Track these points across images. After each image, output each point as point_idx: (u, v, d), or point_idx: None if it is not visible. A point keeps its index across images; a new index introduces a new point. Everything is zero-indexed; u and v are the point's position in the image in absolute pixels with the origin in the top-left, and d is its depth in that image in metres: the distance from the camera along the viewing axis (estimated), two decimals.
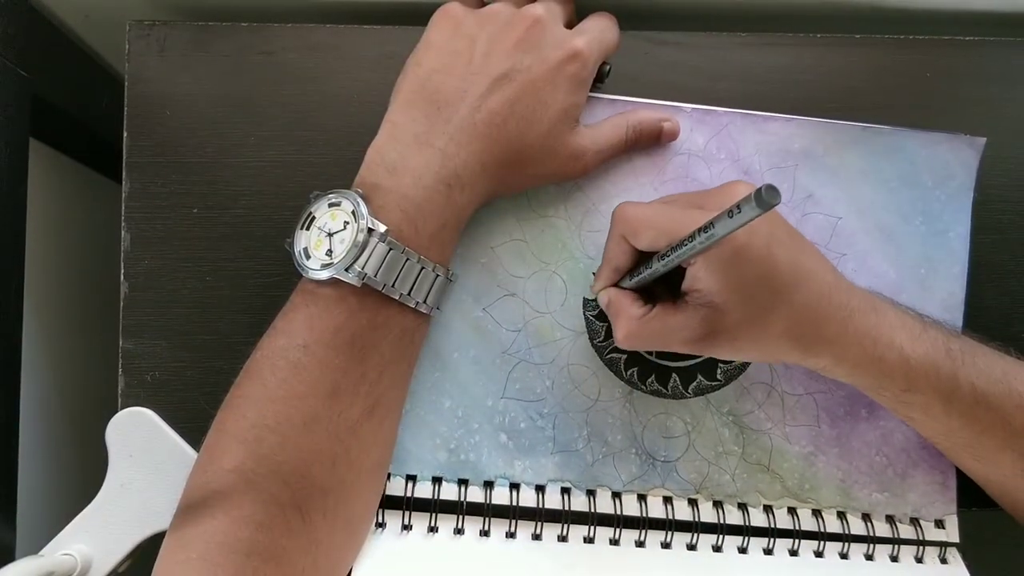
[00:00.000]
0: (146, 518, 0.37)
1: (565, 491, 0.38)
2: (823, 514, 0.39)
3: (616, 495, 0.39)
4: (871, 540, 0.39)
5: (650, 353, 0.39)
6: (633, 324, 0.34)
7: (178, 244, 0.40)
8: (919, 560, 0.39)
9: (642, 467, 0.39)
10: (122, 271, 0.40)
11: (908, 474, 0.40)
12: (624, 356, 0.39)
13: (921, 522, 0.39)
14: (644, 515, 0.38)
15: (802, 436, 0.40)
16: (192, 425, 0.39)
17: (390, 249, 0.32)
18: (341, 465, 0.33)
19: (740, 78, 0.42)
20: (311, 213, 0.34)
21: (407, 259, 0.33)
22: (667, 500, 0.39)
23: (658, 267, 0.32)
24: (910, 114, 0.42)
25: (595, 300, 0.39)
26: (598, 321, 0.39)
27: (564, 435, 0.39)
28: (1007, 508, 0.38)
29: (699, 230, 0.29)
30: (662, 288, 0.35)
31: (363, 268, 0.32)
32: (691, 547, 0.38)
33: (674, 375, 0.39)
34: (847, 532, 0.39)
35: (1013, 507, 0.38)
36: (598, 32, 0.37)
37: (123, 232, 0.40)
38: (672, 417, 0.39)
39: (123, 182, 0.40)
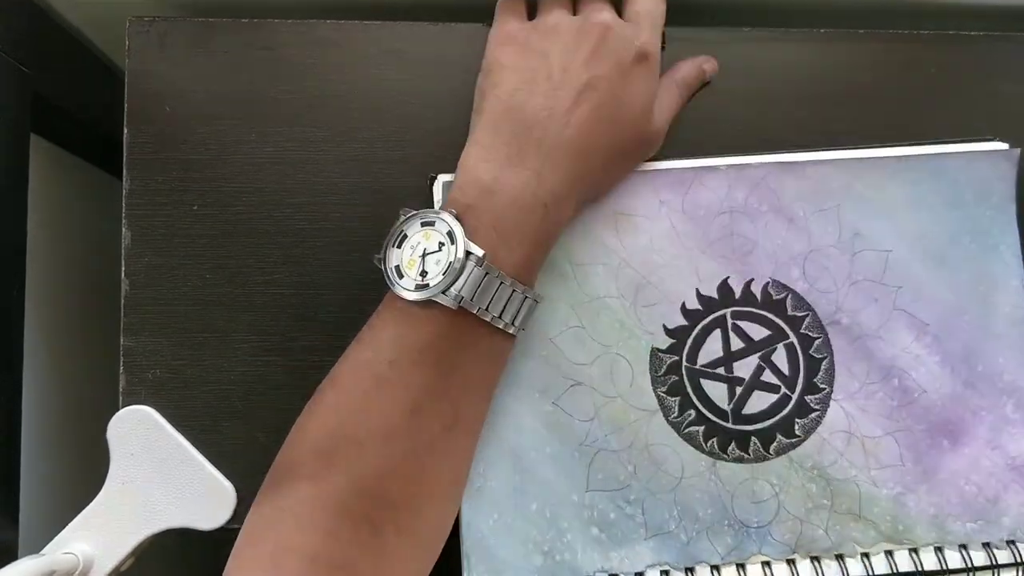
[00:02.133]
0: (148, 517, 0.37)
1: (664, 574, 0.38)
2: (920, 552, 0.38)
3: (715, 568, 0.38)
4: (969, 571, 0.38)
5: (726, 420, 0.39)
6: None
7: (179, 241, 0.40)
8: None
9: (736, 537, 0.38)
10: (123, 268, 0.40)
11: (999, 498, 0.39)
12: (702, 428, 0.39)
13: (1017, 544, 0.39)
14: None
15: (888, 478, 0.39)
16: (193, 423, 0.39)
17: (486, 273, 0.32)
18: (416, 481, 0.33)
19: (744, 73, 0.42)
20: (403, 231, 0.34)
21: (500, 283, 0.33)
22: (765, 565, 0.38)
23: None
24: (914, 109, 0.41)
25: (663, 376, 0.39)
26: (670, 397, 0.39)
27: (655, 518, 0.38)
28: None
29: None
30: None
31: (459, 291, 0.32)
32: None
33: (753, 439, 0.39)
34: (944, 567, 0.38)
35: None
36: (653, 16, 0.38)
37: (124, 229, 0.40)
38: (758, 481, 0.39)
39: (124, 178, 0.40)
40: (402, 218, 0.35)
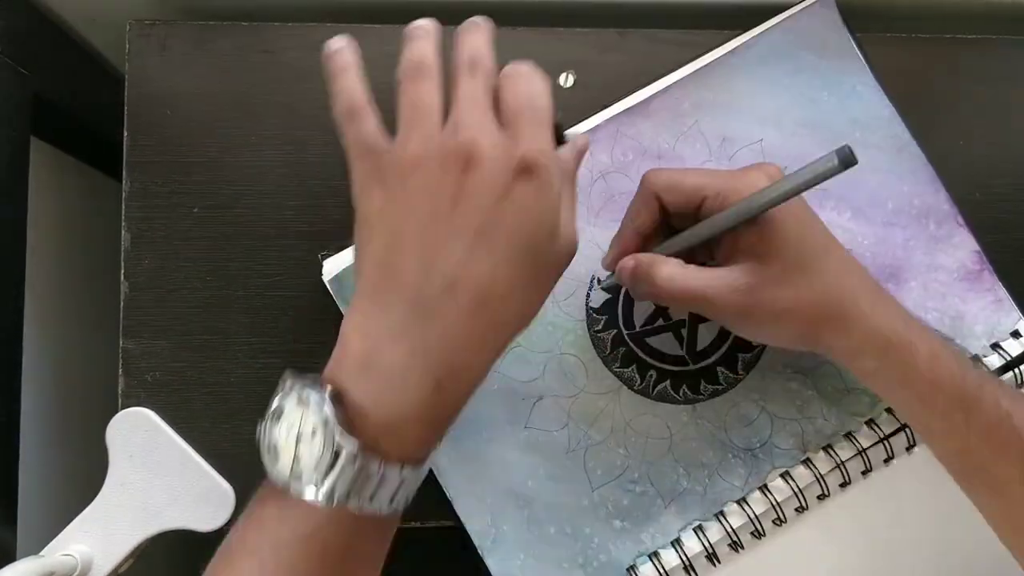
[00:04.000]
0: (146, 518, 0.37)
1: (698, 529, 0.38)
2: None
3: (742, 501, 0.38)
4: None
5: (685, 364, 0.39)
6: (677, 270, 0.34)
7: (178, 244, 0.40)
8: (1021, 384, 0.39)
9: (747, 465, 0.39)
10: (122, 270, 0.40)
11: (962, 312, 0.40)
12: (668, 381, 0.39)
13: (1001, 344, 0.39)
14: (774, 502, 0.38)
15: None
16: (192, 425, 0.39)
17: (362, 467, 0.27)
18: None
19: None
20: (281, 406, 0.29)
21: (384, 473, 0.28)
22: (785, 476, 0.38)
23: (717, 221, 0.33)
24: (913, 112, 0.41)
25: (611, 353, 0.39)
26: (626, 369, 0.39)
27: (665, 485, 0.39)
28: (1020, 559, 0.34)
29: (770, 187, 0.30)
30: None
31: (332, 487, 0.27)
32: (845, 484, 0.38)
33: (719, 368, 0.39)
34: None
35: None
36: (532, 112, 0.29)
37: (123, 231, 0.40)
38: (740, 404, 0.39)
39: (123, 181, 0.40)
40: (281, 387, 0.29)
